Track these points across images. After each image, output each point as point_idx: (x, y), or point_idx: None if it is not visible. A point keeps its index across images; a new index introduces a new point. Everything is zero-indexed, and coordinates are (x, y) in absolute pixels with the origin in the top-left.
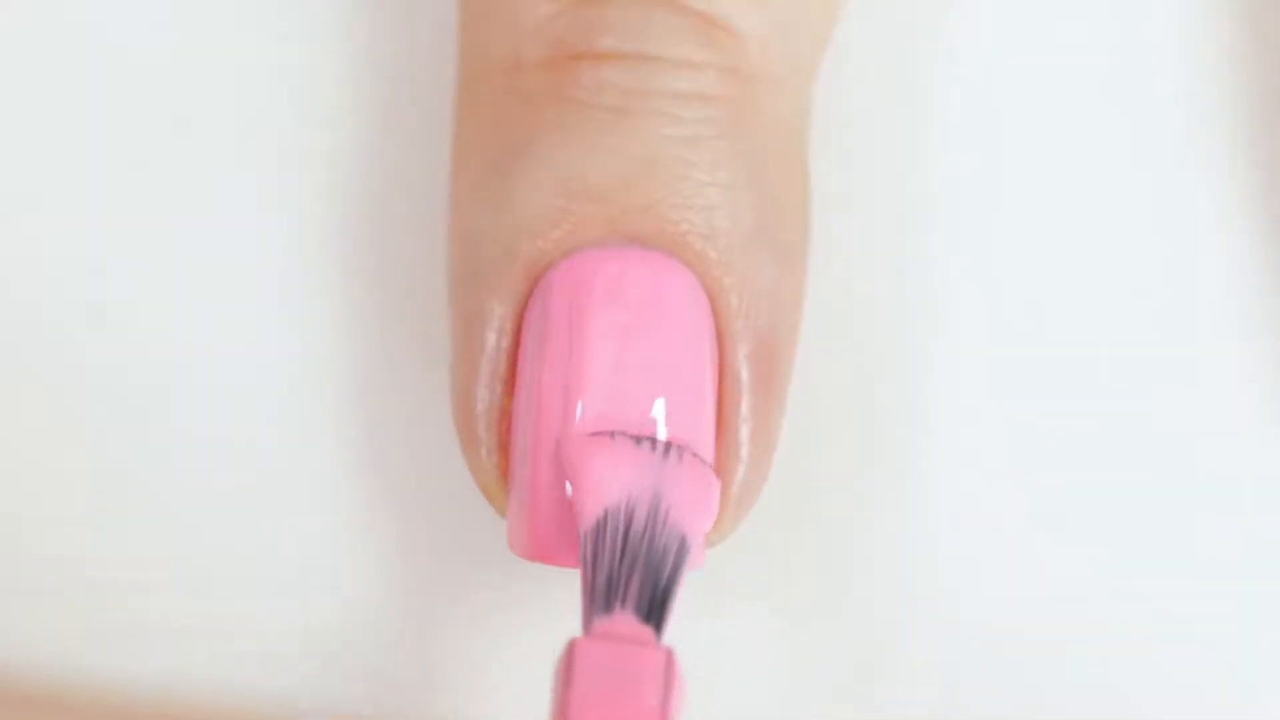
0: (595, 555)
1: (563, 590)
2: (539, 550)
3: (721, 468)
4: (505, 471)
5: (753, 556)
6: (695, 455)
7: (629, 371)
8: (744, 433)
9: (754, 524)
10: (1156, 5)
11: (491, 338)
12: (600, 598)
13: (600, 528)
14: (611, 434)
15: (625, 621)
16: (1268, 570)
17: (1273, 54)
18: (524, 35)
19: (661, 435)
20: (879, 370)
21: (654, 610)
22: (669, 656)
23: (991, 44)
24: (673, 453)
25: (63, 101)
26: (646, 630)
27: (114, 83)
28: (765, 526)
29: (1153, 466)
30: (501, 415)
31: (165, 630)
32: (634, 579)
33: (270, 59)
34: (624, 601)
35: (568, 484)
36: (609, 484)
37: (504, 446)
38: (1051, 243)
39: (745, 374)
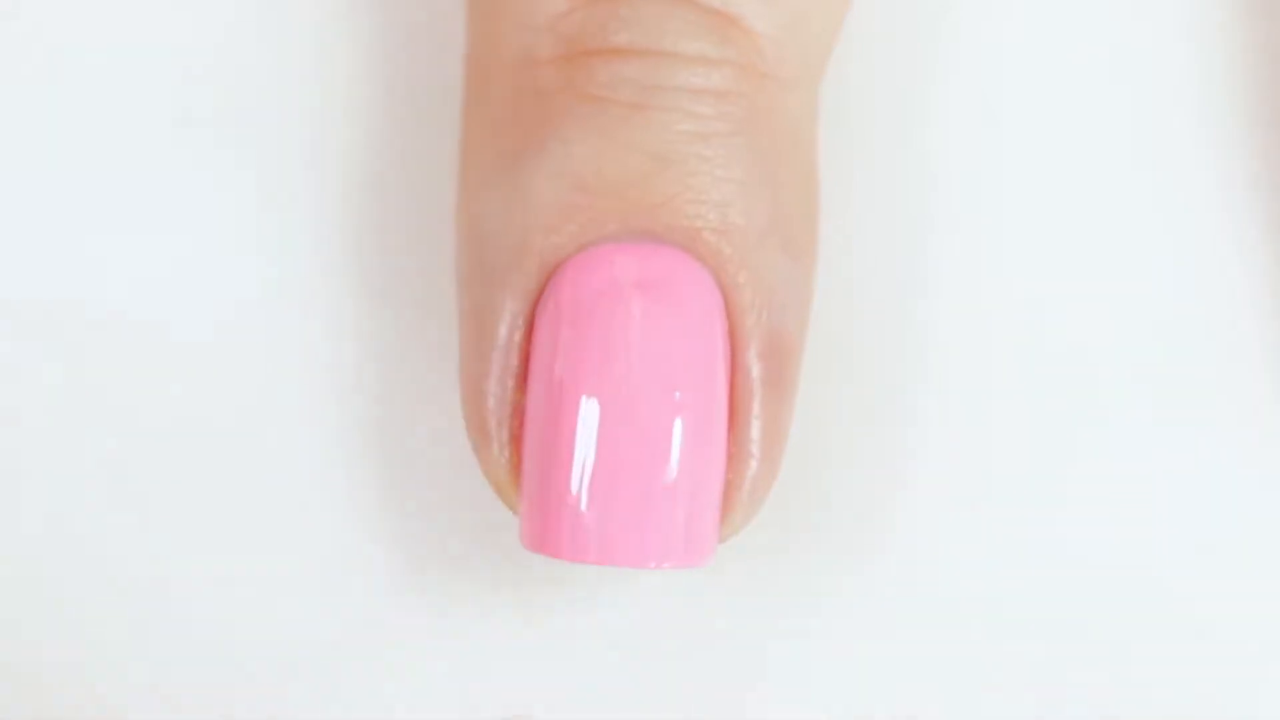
0: None
1: (578, 585)
2: (554, 545)
3: (733, 464)
4: (517, 467)
5: (757, 553)
6: None
7: (641, 367)
8: (755, 429)
9: (758, 520)
10: (1160, 3)
11: (504, 332)
12: None
13: None
14: None
15: None
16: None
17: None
18: (537, 31)
19: (676, 432)
20: (881, 367)
21: None
22: None
23: (994, 41)
24: None
25: (64, 101)
26: None
27: (118, 78)
28: (768, 523)
29: (1158, 466)
30: (513, 411)
31: (161, 633)
32: None
33: (275, 54)
34: None
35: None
36: None
37: (516, 442)
38: (1055, 241)
39: (757, 370)
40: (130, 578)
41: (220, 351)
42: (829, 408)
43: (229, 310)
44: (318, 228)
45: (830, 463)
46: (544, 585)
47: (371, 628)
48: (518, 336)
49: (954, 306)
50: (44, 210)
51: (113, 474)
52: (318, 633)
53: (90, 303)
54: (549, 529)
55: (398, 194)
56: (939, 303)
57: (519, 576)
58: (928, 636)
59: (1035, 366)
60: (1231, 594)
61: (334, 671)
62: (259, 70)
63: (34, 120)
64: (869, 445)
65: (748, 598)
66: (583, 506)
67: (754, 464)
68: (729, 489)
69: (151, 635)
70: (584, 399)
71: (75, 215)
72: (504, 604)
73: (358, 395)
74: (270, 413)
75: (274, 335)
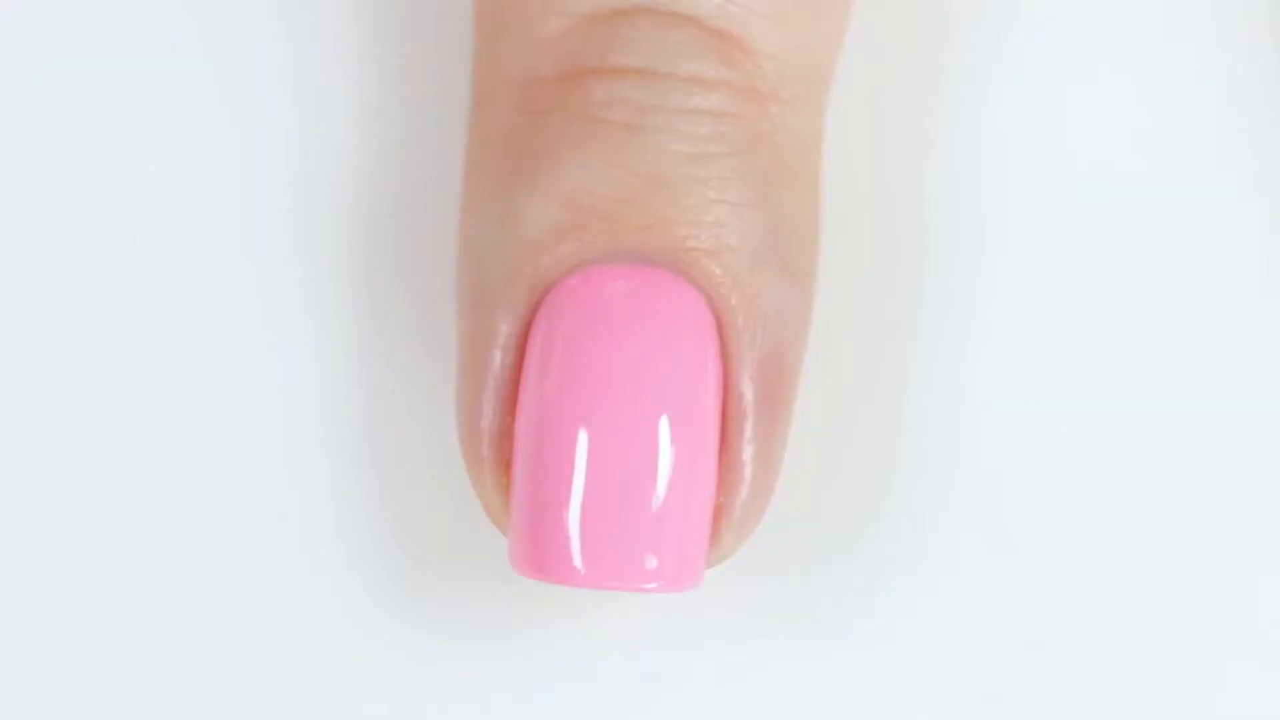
0: None
1: (564, 608)
2: (540, 568)
3: (724, 488)
4: (508, 490)
5: (751, 575)
6: None
7: (632, 390)
8: (747, 453)
9: (753, 542)
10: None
11: (497, 355)
12: None
13: None
14: None
15: None
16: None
17: None
18: (538, 51)
19: (666, 455)
20: (878, 384)
21: None
22: None
23: (994, 59)
24: None
25: (65, 100)
26: None
27: (117, 90)
28: (763, 544)
29: (1172, 473)
30: (505, 434)
31: (156, 639)
32: None
33: (281, 74)
34: None
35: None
36: None
37: (507, 465)
38: (1052, 255)
39: (750, 394)
40: (125, 582)
41: (217, 364)
42: (824, 427)
43: (229, 326)
44: (322, 246)
45: (823, 482)
46: (534, 607)
47: (360, 646)
48: (509, 359)
49: (952, 323)
50: (45, 199)
51: (104, 479)
52: (307, 650)
53: (88, 304)
54: (537, 553)
55: (404, 214)
56: (936, 318)
57: (511, 598)
58: (923, 652)
59: (1034, 382)
60: (1232, 595)
61: (322, 688)
62: (268, 86)
63: (36, 117)
64: (864, 464)
65: (738, 618)
66: (570, 530)
67: (745, 488)
68: (719, 513)
69: (143, 639)
70: (573, 423)
71: (77, 218)
72: (495, 625)
73: (356, 414)
74: (266, 430)
75: (272, 352)
